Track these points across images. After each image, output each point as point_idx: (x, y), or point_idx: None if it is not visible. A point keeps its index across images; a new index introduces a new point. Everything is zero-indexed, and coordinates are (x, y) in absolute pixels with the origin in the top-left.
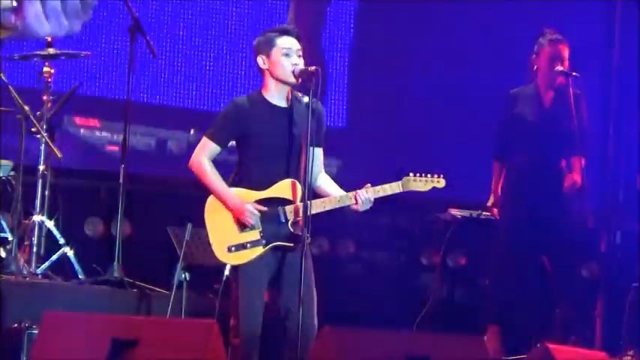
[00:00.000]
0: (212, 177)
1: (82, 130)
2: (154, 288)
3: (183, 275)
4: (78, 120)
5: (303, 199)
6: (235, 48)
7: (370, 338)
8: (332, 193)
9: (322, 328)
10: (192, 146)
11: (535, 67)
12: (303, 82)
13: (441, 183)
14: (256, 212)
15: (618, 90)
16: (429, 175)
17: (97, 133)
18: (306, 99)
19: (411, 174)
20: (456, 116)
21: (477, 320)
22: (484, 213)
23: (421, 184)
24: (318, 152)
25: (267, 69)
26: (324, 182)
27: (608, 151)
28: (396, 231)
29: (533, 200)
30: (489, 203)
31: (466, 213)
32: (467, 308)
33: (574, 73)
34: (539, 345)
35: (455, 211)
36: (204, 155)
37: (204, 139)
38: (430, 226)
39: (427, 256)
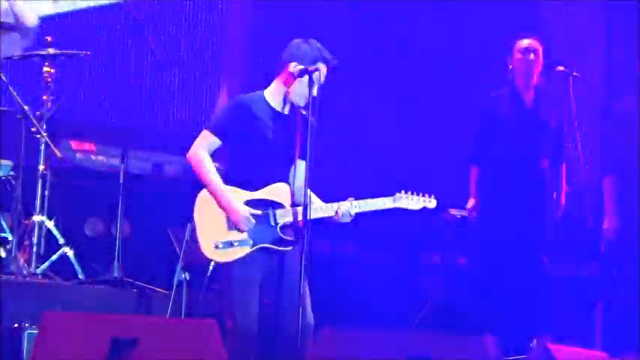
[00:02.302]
0: (208, 171)
1: (77, 155)
2: (154, 288)
3: (183, 275)
4: (74, 144)
5: (296, 205)
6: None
7: (369, 338)
8: (313, 203)
9: (322, 328)
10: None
11: (510, 66)
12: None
13: (432, 203)
14: (253, 220)
15: (618, 90)
16: (420, 194)
17: (93, 157)
18: (304, 111)
19: (403, 191)
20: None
21: (477, 320)
22: (461, 213)
23: (413, 202)
24: (302, 164)
25: (289, 75)
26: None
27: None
28: (395, 231)
29: (517, 201)
30: (468, 206)
31: (466, 213)
32: (467, 308)
33: (575, 73)
34: (539, 345)
35: (455, 211)
36: (203, 148)
37: (205, 132)
38: (430, 226)
39: (427, 256)
